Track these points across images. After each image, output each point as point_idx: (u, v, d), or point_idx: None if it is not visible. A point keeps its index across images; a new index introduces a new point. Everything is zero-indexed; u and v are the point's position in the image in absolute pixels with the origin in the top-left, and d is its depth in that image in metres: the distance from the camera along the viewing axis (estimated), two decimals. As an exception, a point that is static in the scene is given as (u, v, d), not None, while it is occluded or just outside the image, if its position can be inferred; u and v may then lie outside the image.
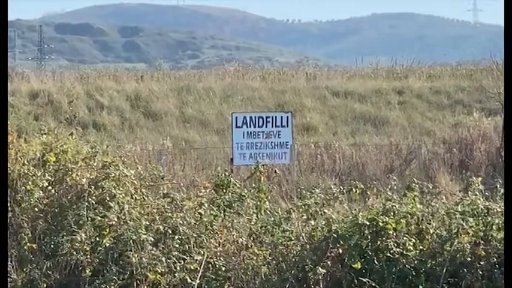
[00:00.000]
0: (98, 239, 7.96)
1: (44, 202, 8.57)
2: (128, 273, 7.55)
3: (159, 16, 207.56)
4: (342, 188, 8.61)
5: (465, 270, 7.34)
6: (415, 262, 7.40)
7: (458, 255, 7.36)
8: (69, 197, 8.58)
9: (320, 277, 7.26)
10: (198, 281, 7.54)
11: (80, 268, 7.80)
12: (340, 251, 7.41)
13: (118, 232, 7.98)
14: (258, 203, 8.71)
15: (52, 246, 8.20)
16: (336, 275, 7.37)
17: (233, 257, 7.82)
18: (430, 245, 7.55)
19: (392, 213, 7.63)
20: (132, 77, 31.59)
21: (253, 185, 9.19)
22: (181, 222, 8.06)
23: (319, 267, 7.23)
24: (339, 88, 29.30)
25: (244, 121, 16.44)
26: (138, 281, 7.54)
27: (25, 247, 8.10)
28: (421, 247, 7.52)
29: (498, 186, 8.33)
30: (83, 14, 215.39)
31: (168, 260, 7.67)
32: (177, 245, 7.86)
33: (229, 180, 9.03)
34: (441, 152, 19.29)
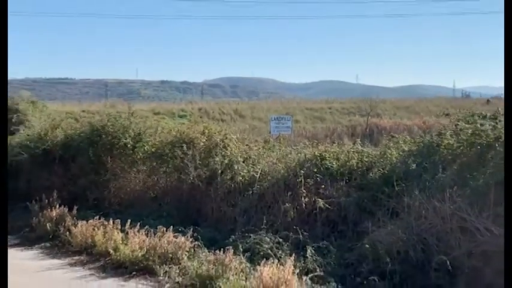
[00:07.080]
0: (223, 160, 11.20)
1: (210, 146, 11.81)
2: (233, 172, 10.85)
3: (244, 80, 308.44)
4: (309, 143, 11.95)
5: (353, 172, 10.11)
6: (336, 169, 10.15)
7: (351, 167, 10.21)
8: (213, 145, 11.96)
9: (301, 174, 9.92)
10: (258, 175, 10.54)
11: (217, 170, 10.95)
12: (308, 164, 10.25)
13: (230, 158, 11.30)
14: (279, 147, 11.97)
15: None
16: (308, 174, 10.05)
17: (271, 167, 10.79)
18: (341, 163, 10.31)
19: (328, 152, 10.63)
20: (234, 103, 48.15)
21: (278, 141, 12.69)
22: (252, 154, 11.58)
23: (302, 170, 10.00)
24: (308, 107, 45.09)
25: (274, 118, 23.11)
26: (236, 175, 10.80)
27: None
28: (338, 164, 10.29)
29: (366, 142, 12.10)
30: (218, 79, 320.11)
31: (247, 168, 11.06)
32: (251, 163, 11.13)
33: (269, 139, 12.84)
34: (344, 130, 30.74)
